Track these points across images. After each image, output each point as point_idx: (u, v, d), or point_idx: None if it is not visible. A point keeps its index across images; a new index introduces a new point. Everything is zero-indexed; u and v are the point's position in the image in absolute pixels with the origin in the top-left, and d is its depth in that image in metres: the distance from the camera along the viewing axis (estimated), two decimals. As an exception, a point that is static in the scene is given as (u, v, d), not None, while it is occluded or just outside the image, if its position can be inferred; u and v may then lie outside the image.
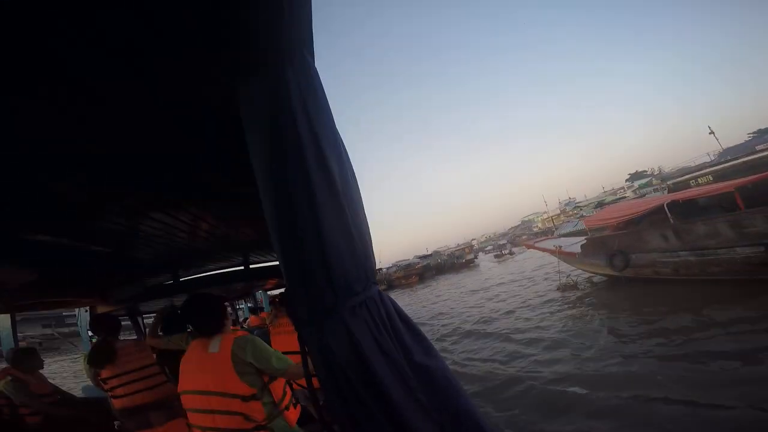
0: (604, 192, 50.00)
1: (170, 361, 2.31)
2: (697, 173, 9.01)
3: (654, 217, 7.74)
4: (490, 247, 44.84)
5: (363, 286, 0.77)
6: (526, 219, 65.86)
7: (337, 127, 0.78)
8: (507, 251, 36.50)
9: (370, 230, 0.86)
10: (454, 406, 0.81)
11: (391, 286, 34.47)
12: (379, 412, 0.71)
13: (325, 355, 0.71)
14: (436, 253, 41.31)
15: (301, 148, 0.69)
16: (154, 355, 2.50)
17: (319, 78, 0.75)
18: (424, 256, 39.34)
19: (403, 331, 0.81)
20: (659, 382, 3.95)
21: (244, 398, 1.42)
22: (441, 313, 12.23)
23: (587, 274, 10.12)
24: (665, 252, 7.09)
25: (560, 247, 10.22)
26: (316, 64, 0.78)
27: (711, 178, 8.61)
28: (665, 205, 7.02)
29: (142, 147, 1.13)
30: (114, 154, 1.12)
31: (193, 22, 0.67)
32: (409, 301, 19.52)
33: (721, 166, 9.00)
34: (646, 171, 48.04)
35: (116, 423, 2.51)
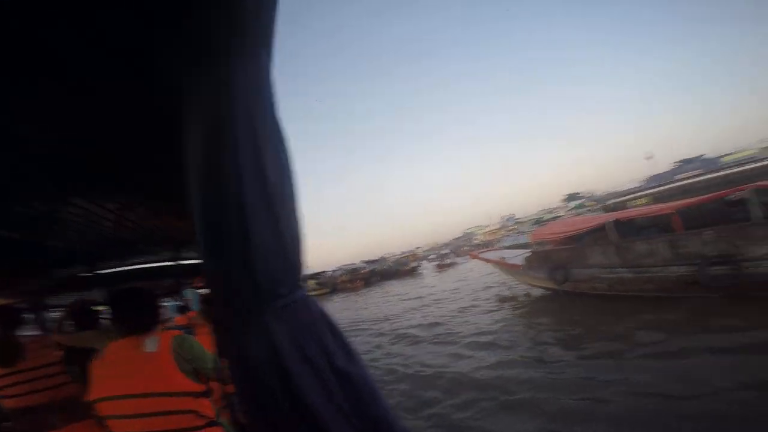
0: (542, 210, 53.29)
1: (80, 359, 2.04)
2: (635, 195, 9.42)
3: (596, 234, 7.88)
4: (433, 256, 45.63)
5: (290, 289, 0.72)
6: (468, 231, 68.22)
7: (283, 127, 0.74)
8: (449, 261, 36.08)
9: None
10: (373, 413, 0.79)
11: (335, 289, 33.62)
12: (298, 419, 0.68)
13: (243, 359, 0.69)
14: (383, 259, 41.16)
15: (235, 148, 0.65)
16: (60, 353, 2.26)
17: (271, 77, 0.69)
18: (372, 261, 38.91)
19: (327, 336, 0.77)
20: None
21: (196, 395, 1.39)
22: (380, 319, 11.91)
23: (526, 287, 10.20)
24: (604, 268, 7.19)
25: (504, 258, 10.20)
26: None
27: (646, 201, 9.03)
28: (608, 224, 7.13)
29: (67, 132, 1.09)
30: (34, 136, 1.10)
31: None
32: (342, 306, 19.01)
33: (656, 189, 9.54)
34: (580, 193, 52.13)
35: (7, 424, 2.29)
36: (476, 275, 20.47)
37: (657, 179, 43.44)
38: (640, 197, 9.29)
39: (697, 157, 42.95)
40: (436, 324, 9.11)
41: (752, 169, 8.18)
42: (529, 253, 9.13)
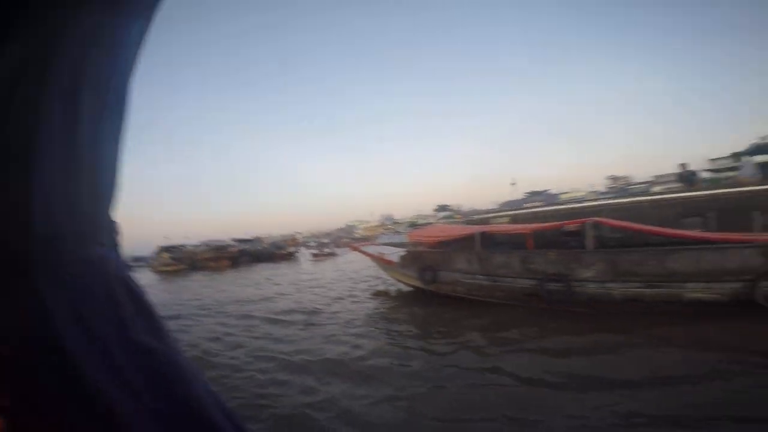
0: (417, 216, 57.55)
1: None
2: (498, 214, 10.51)
3: (464, 243, 8.47)
4: (313, 243, 44.78)
5: (79, 246, 0.59)
6: (350, 224, 69.64)
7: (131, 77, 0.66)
8: (328, 250, 33.98)
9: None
10: (183, 394, 0.68)
11: (195, 267, 30.04)
12: (74, 401, 0.57)
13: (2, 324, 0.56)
14: (257, 239, 38.55)
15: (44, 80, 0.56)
16: None
17: (128, 37, 0.64)
18: (244, 240, 35.99)
19: (126, 306, 0.66)
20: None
21: None
22: (241, 300, 10.91)
23: (399, 284, 10.53)
24: (466, 273, 7.74)
25: (382, 254, 10.29)
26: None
27: (506, 220, 10.15)
28: (477, 235, 7.69)
29: None
30: None
31: None
32: (203, 285, 17.09)
33: (515, 212, 10.81)
34: (450, 206, 58.04)
35: None
36: (355, 267, 20.67)
37: (510, 204, 51.55)
38: (502, 216, 10.39)
39: (543, 191, 52.24)
40: (310, 311, 8.70)
41: (592, 206, 9.91)
42: (404, 252, 9.37)
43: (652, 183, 38.27)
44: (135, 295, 0.71)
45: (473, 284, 7.67)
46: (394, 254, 10.26)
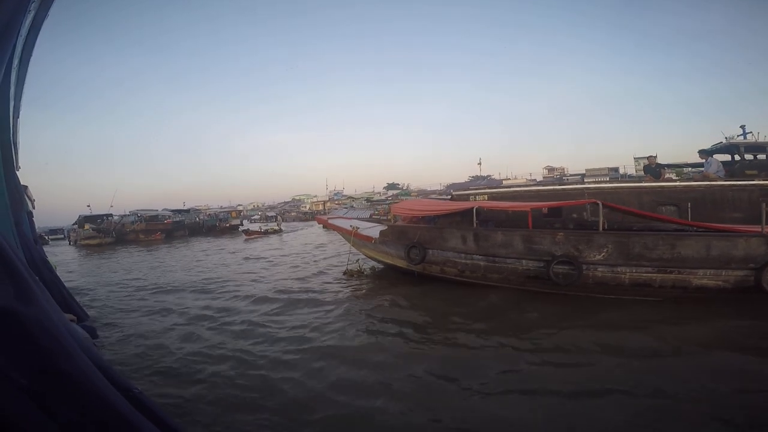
0: (367, 192, 56.42)
1: None
2: (478, 191, 9.77)
3: (458, 218, 7.57)
4: (257, 216, 41.68)
5: None
6: (297, 198, 66.50)
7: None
8: (272, 226, 29.15)
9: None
10: (53, 367, 0.64)
11: (122, 240, 26.28)
12: None
13: None
14: (195, 210, 34.78)
15: None
16: None
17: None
18: (179, 211, 32.20)
19: None
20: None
21: None
22: (197, 282, 9.10)
23: (373, 263, 9.46)
24: (460, 253, 6.88)
25: (357, 228, 9.06)
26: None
27: (485, 198, 9.45)
28: (476, 210, 6.82)
29: None
30: None
31: None
32: (133, 261, 14.59)
33: (492, 190, 10.18)
34: (399, 184, 57.64)
35: None
36: (304, 241, 19.13)
37: (454, 186, 52.54)
38: (481, 193, 9.68)
39: (486, 176, 53.76)
40: (267, 298, 7.29)
41: (574, 189, 9.52)
42: (385, 227, 8.24)
43: (584, 176, 40.79)
44: (4, 257, 0.66)
45: (467, 264, 6.83)
46: (371, 229, 9.16)
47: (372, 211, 27.58)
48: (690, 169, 13.49)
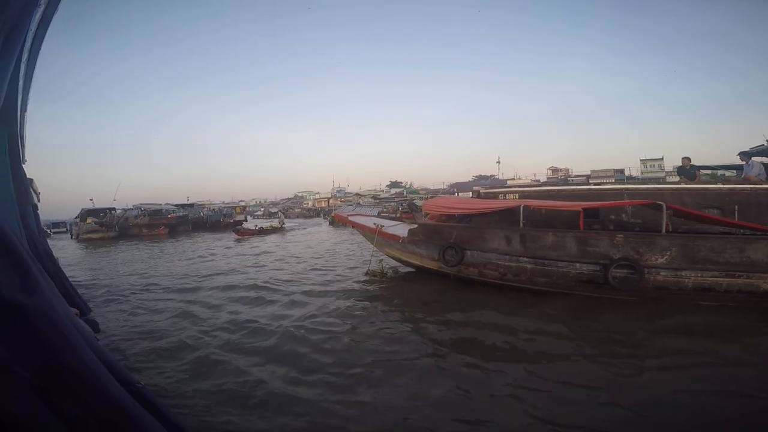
0: (371, 190, 55.72)
1: None
2: (506, 190, 9.23)
3: (495, 217, 7.04)
4: (260, 212, 40.95)
5: None
6: (300, 195, 65.70)
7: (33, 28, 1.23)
8: (276, 222, 25.64)
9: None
10: (57, 360, 0.64)
11: (125, 234, 25.61)
12: None
13: None
14: (199, 205, 34.12)
15: None
16: None
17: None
18: (184, 205, 31.52)
19: None
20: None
21: None
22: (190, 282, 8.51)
23: (395, 263, 8.90)
24: (503, 255, 6.34)
25: (381, 226, 8.51)
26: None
27: (517, 196, 8.92)
28: (524, 209, 6.29)
29: None
30: None
31: None
32: (145, 255, 13.97)
33: (523, 189, 9.67)
34: (402, 182, 56.95)
35: None
36: (318, 240, 18.51)
37: (458, 186, 52.03)
38: (511, 192, 9.14)
39: (489, 176, 53.28)
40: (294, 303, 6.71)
41: (613, 189, 9.00)
42: (414, 226, 7.68)
43: (589, 177, 40.32)
44: (10, 249, 0.66)
45: (511, 267, 6.30)
46: (397, 226, 8.61)
47: (380, 209, 26.93)
48: (724, 171, 12.96)
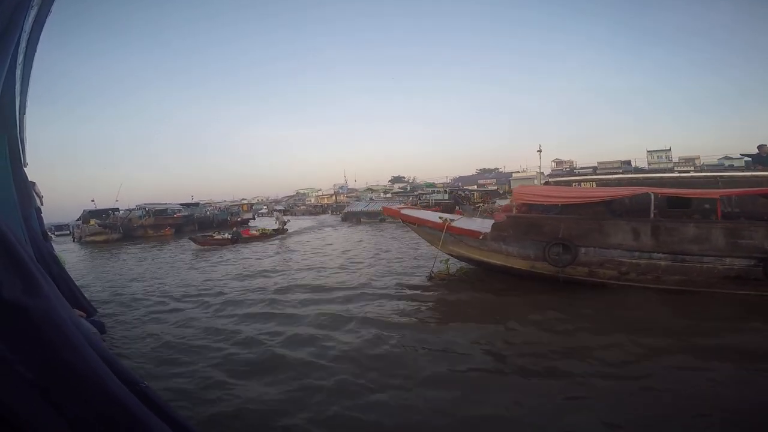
0: (378, 185, 54.74)
1: None
2: (581, 178, 8.40)
3: (601, 208, 6.11)
4: (264, 210, 39.60)
5: None
6: (302, 191, 64.24)
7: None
8: (275, 223, 19.72)
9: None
10: (59, 360, 0.63)
11: (130, 235, 24.22)
12: None
13: None
14: (206, 204, 32.73)
15: None
16: None
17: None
18: (189, 204, 30.12)
19: None
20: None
21: None
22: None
23: (460, 263, 7.90)
24: (631, 251, 5.43)
25: (450, 220, 7.51)
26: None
27: (595, 185, 8.07)
28: (654, 197, 5.38)
29: None
30: None
31: None
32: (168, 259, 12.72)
33: (600, 177, 8.85)
34: (404, 177, 56.02)
35: None
36: (336, 239, 17.28)
37: (462, 180, 51.31)
38: (589, 180, 8.28)
39: (494, 169, 52.69)
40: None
41: (687, 177, 8.21)
42: (504, 218, 6.68)
43: (596, 168, 39.84)
44: (10, 251, 0.65)
45: (637, 265, 5.40)
46: (469, 220, 7.64)
47: (398, 203, 25.80)
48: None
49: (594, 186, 8.18)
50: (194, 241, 16.57)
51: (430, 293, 6.75)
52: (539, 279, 6.25)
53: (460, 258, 7.82)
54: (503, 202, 19.10)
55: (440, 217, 7.94)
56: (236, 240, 16.26)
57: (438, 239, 7.69)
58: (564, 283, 5.95)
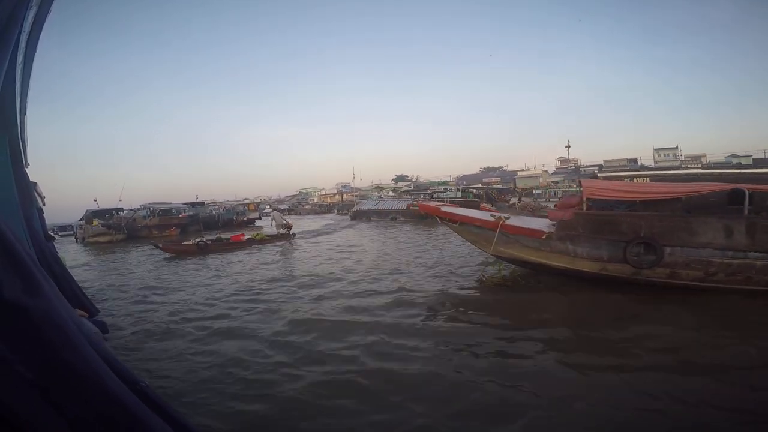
0: (382, 183, 54.25)
1: None
2: (633, 173, 8.10)
3: (678, 204, 5.79)
4: (268, 209, 39.01)
5: None
6: (304, 191, 63.64)
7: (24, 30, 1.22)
8: (274, 225, 16.43)
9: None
10: (59, 360, 0.63)
11: (134, 236, 23.59)
12: None
13: None
14: (212, 203, 32.11)
15: None
16: None
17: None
18: (193, 204, 29.50)
19: None
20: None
21: None
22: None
23: (507, 264, 7.47)
24: (723, 250, 5.11)
25: (506, 218, 7.12)
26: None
27: (649, 180, 7.77)
28: (749, 193, 5.06)
29: None
30: None
31: None
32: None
33: (655, 172, 8.56)
34: (408, 176, 55.64)
35: None
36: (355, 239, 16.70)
37: (467, 178, 51.04)
38: (643, 176, 7.97)
39: (498, 167, 52.56)
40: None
41: (733, 173, 7.95)
42: (572, 215, 6.30)
43: (601, 167, 39.75)
44: (10, 251, 0.65)
45: (729, 265, 5.08)
46: (528, 218, 7.29)
47: (408, 202, 25.32)
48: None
49: (648, 181, 7.88)
50: (154, 245, 13.76)
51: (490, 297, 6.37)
52: (607, 282, 5.89)
53: (511, 260, 7.39)
54: (526, 200, 18.74)
55: (492, 216, 7.56)
56: (205, 248, 12.87)
57: (486, 239, 7.25)
58: (640, 286, 5.62)
